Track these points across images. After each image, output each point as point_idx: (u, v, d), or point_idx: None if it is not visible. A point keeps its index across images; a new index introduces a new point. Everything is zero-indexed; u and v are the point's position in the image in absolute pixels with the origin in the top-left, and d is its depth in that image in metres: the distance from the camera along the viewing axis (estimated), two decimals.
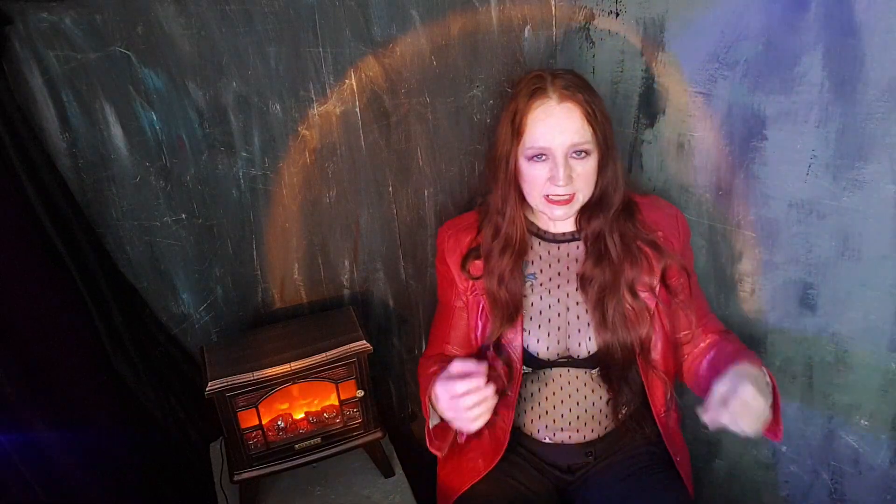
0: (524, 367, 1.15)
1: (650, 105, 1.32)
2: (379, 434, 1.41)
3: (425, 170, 1.49)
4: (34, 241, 1.16)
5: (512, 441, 1.20)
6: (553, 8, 1.44)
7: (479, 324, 1.17)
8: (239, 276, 1.43)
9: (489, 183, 1.17)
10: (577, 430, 1.17)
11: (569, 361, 1.13)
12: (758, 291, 1.25)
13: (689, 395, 1.30)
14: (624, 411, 1.19)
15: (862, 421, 1.18)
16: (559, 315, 1.12)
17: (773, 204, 1.16)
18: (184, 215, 1.33)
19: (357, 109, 1.37)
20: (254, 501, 1.38)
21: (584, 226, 1.13)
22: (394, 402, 1.74)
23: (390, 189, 1.48)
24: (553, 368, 1.15)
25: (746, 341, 1.32)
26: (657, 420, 1.17)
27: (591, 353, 1.11)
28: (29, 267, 1.15)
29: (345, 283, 1.54)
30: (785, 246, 1.18)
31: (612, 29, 1.34)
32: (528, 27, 1.44)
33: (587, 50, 1.41)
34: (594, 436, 1.18)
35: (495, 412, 1.18)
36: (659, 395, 1.16)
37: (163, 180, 1.28)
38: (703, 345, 1.17)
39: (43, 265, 1.18)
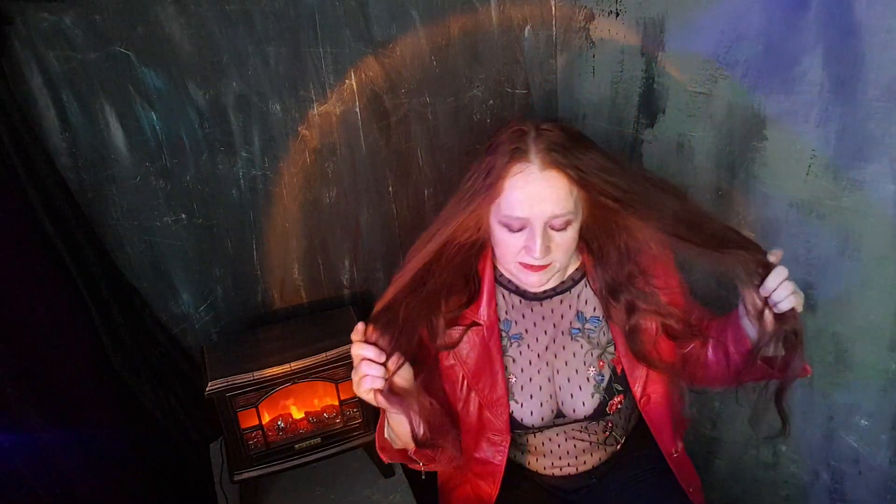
0: (513, 432, 1.07)
1: (650, 105, 1.32)
2: None
3: (425, 170, 1.49)
4: (34, 241, 1.16)
5: (514, 473, 1.16)
6: (553, 8, 1.44)
7: (461, 395, 1.06)
8: (239, 276, 1.43)
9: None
10: (583, 463, 1.13)
11: (562, 421, 1.07)
12: None
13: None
14: (623, 440, 1.16)
15: (862, 421, 1.18)
16: (549, 380, 1.04)
17: (773, 204, 1.16)
18: (184, 215, 1.33)
19: (357, 109, 1.37)
20: (254, 501, 1.38)
21: (600, 283, 1.04)
22: None
23: (390, 189, 1.48)
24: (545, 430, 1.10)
25: None
26: (667, 459, 1.12)
27: (588, 415, 1.04)
28: (29, 267, 1.15)
29: (345, 283, 1.54)
30: (785, 246, 1.17)
31: (612, 29, 1.34)
32: (528, 27, 1.44)
33: (587, 50, 1.41)
34: (598, 462, 1.15)
35: (474, 476, 1.12)
36: (666, 437, 1.11)
37: (163, 180, 1.28)
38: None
39: (43, 265, 1.18)
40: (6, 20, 1.07)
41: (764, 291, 0.90)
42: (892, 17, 0.91)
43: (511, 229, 0.92)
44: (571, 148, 0.90)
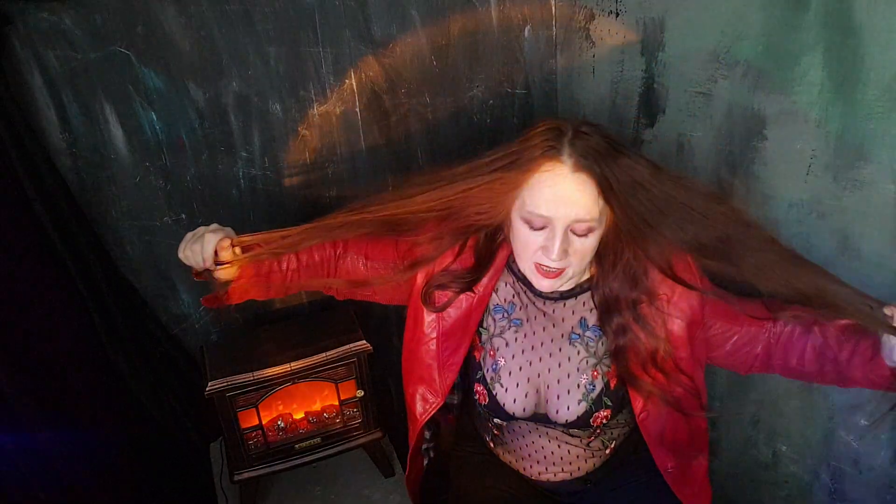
0: (496, 424, 1.10)
1: (650, 105, 1.32)
2: (379, 434, 1.42)
3: (425, 170, 1.49)
4: (34, 241, 1.16)
5: (507, 476, 1.16)
6: (553, 8, 1.44)
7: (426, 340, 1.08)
8: None
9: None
10: (572, 473, 1.12)
11: (543, 419, 1.05)
12: None
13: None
14: (613, 445, 1.13)
15: (862, 421, 1.18)
16: (538, 375, 1.03)
17: (773, 204, 1.16)
18: (184, 215, 1.33)
19: (357, 109, 1.37)
20: (254, 501, 1.38)
21: (600, 296, 1.02)
22: (394, 402, 1.74)
23: (390, 189, 1.47)
24: (526, 423, 1.08)
25: None
26: (663, 475, 1.08)
27: (570, 421, 1.02)
28: (29, 267, 1.15)
29: None
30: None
31: (612, 29, 1.34)
32: (528, 27, 1.44)
33: (587, 50, 1.41)
34: (591, 467, 1.12)
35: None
36: (662, 454, 1.07)
37: (163, 180, 1.28)
38: (773, 337, 1.03)
39: (43, 265, 1.18)
40: (6, 20, 1.07)
41: None
42: (892, 17, 0.91)
43: (532, 227, 0.91)
44: (607, 156, 0.87)
